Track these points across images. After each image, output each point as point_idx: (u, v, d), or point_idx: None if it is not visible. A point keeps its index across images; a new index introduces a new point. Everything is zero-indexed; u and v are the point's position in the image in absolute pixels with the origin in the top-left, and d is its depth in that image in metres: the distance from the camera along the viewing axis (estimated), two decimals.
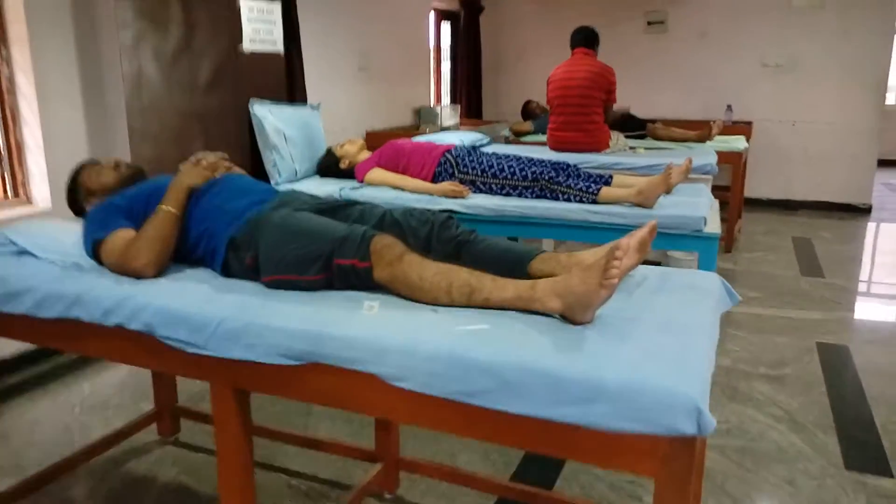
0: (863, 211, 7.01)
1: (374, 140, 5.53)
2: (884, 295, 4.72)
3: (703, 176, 4.28)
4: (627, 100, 5.42)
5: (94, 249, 1.87)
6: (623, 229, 2.81)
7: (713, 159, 4.48)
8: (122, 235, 1.85)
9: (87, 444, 2.50)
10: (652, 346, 1.33)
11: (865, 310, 4.33)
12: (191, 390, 2.91)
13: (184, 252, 1.91)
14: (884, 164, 8.31)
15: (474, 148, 4.20)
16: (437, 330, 1.42)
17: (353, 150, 3.76)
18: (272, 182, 3.64)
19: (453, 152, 3.53)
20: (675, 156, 4.51)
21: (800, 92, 7.05)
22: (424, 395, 1.34)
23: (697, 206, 3.04)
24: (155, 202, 1.90)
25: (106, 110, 3.56)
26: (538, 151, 4.65)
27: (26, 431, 2.77)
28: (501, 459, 2.54)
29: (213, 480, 2.30)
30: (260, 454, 2.54)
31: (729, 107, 6.93)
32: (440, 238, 1.84)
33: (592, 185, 3.17)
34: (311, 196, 2.02)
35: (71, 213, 2.26)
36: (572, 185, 3.18)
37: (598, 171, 3.48)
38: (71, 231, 2.07)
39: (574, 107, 4.72)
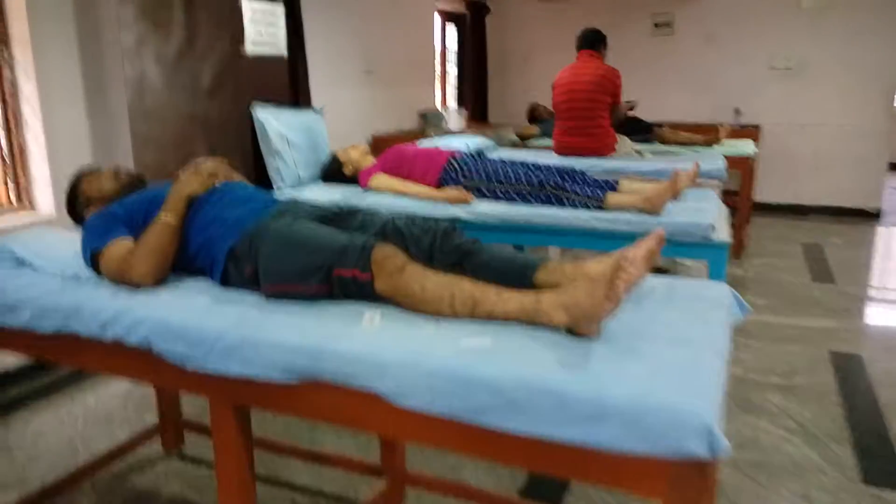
0: (873, 215, 6.93)
1: (379, 144, 5.52)
2: None
3: (712, 181, 4.23)
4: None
5: (93, 259, 1.84)
6: (630, 236, 2.76)
7: (721, 164, 4.43)
8: (120, 245, 1.82)
9: (90, 459, 2.47)
10: (661, 363, 1.29)
11: (878, 317, 4.27)
12: (195, 402, 2.87)
13: (184, 261, 1.87)
14: (895, 167, 8.24)
15: (479, 153, 4.17)
16: (438, 345, 1.38)
17: (357, 155, 3.72)
18: (275, 188, 3.60)
19: (458, 158, 3.49)
20: (683, 160, 4.46)
21: (809, 95, 6.98)
22: (426, 412, 1.30)
23: (706, 212, 2.99)
24: (154, 210, 1.87)
25: (109, 114, 3.54)
26: (544, 156, 4.62)
27: (30, 444, 2.74)
28: (508, 474, 2.49)
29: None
30: (264, 468, 2.50)
31: (737, 110, 6.88)
32: (443, 248, 1.79)
33: (599, 191, 3.12)
34: (312, 204, 1.98)
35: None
36: (578, 191, 3.14)
37: (604, 177, 3.44)
38: (71, 240, 2.04)
39: (580, 111, 4.68)
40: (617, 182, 3.28)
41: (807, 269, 5.11)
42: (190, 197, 1.90)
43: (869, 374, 3.33)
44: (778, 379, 3.26)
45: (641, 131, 5.51)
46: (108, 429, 2.85)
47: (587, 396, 1.19)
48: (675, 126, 5.87)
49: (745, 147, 5.51)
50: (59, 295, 1.72)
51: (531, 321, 1.45)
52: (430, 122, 6.53)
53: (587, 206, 3.10)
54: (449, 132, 6.32)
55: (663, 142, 5.49)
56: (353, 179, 3.69)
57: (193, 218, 1.88)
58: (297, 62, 4.55)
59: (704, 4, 7.22)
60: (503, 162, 3.42)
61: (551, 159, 4.34)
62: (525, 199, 3.24)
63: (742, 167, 5.31)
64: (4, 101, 3.28)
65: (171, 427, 2.66)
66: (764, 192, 7.14)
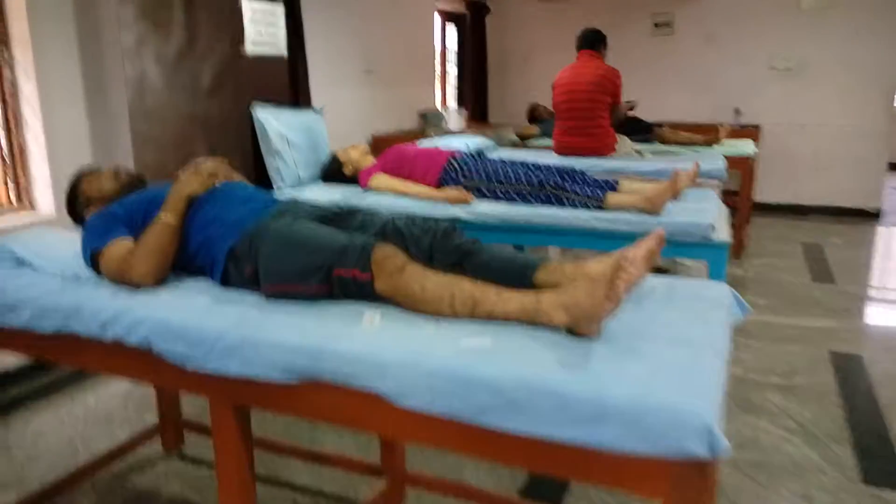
0: (873, 215, 6.93)
1: (379, 144, 5.51)
2: None
3: (712, 181, 4.23)
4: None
5: (93, 259, 1.84)
6: (630, 236, 2.76)
7: (721, 164, 4.43)
8: (120, 245, 1.82)
9: (90, 459, 2.47)
10: (661, 363, 1.29)
11: (878, 317, 4.27)
12: (195, 402, 2.87)
13: (184, 261, 1.87)
14: (895, 167, 8.24)
15: (479, 153, 4.16)
16: (438, 345, 1.38)
17: (356, 155, 3.72)
18: (275, 188, 3.60)
19: (458, 158, 3.49)
20: (683, 160, 4.46)
21: (809, 95, 6.98)
22: (426, 412, 1.30)
23: (705, 212, 2.98)
24: (154, 210, 1.87)
25: (109, 114, 3.54)
26: (544, 156, 4.62)
27: (30, 444, 2.74)
28: (508, 474, 2.48)
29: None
30: (264, 468, 2.50)
31: (737, 110, 6.88)
32: (443, 248, 1.79)
33: (599, 191, 3.12)
34: (312, 204, 1.98)
35: None
36: (578, 191, 3.14)
37: (604, 177, 3.43)
38: (71, 241, 2.04)
39: (580, 111, 4.68)
40: (617, 182, 3.28)
41: (807, 269, 5.11)
42: (190, 197, 1.90)
43: (869, 374, 3.33)
44: (778, 379, 3.25)
45: (641, 131, 5.51)
46: (108, 429, 2.84)
47: (587, 396, 1.19)
48: (675, 126, 5.86)
49: (745, 147, 5.51)
50: (59, 295, 1.72)
51: (531, 321, 1.45)
52: (430, 122, 6.53)
53: (587, 206, 3.10)
54: (449, 132, 6.32)
55: (663, 142, 5.49)
56: (353, 179, 3.69)
57: (193, 218, 1.88)
58: (297, 62, 4.55)
59: (704, 4, 7.22)
60: (503, 162, 3.42)
61: (551, 159, 4.34)
62: (525, 199, 3.24)
63: (742, 167, 5.31)
64: (4, 101, 3.28)
65: (171, 427, 2.66)
66: (764, 192, 7.13)
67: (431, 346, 1.37)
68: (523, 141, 6.02)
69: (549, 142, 5.24)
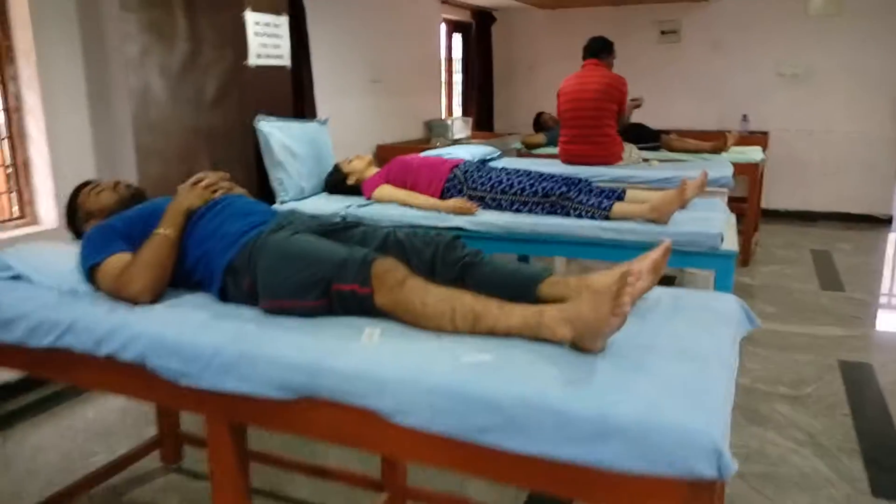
0: (883, 222, 6.87)
1: (384, 154, 5.50)
2: None
3: (719, 189, 4.19)
4: (641, 111, 5.33)
5: (90, 274, 1.82)
6: (636, 246, 2.74)
7: (729, 171, 4.39)
8: (117, 259, 1.79)
9: (88, 473, 2.44)
10: (667, 379, 1.26)
11: (888, 325, 4.22)
12: (195, 416, 2.83)
13: (182, 276, 1.85)
14: None
15: (483, 162, 4.14)
16: (439, 362, 1.35)
17: (360, 165, 3.70)
18: (278, 200, 3.58)
19: (462, 167, 3.47)
20: (690, 168, 4.42)
21: (816, 101, 6.94)
22: (426, 431, 1.27)
23: (713, 221, 2.95)
24: (153, 224, 1.85)
25: (113, 126, 3.53)
26: (550, 165, 4.59)
27: (28, 458, 2.72)
28: (511, 490, 2.45)
29: None
30: (266, 482, 2.48)
31: (745, 117, 6.84)
32: (445, 260, 1.76)
33: (605, 200, 3.09)
34: (312, 216, 1.96)
35: None
36: (584, 200, 3.11)
37: (610, 186, 3.40)
38: (69, 254, 2.01)
39: (586, 119, 4.65)
40: (623, 191, 3.25)
41: (815, 277, 5.06)
42: (188, 210, 1.89)
43: (879, 383, 3.28)
44: (786, 389, 3.21)
45: (648, 139, 5.48)
46: (107, 442, 2.82)
47: (592, 415, 1.16)
48: (683, 133, 5.83)
49: (753, 154, 5.47)
50: (55, 310, 1.70)
51: (534, 336, 1.43)
52: (435, 131, 6.52)
53: (593, 216, 3.07)
54: (454, 141, 6.30)
55: (670, 149, 5.45)
56: (356, 190, 3.67)
57: (192, 231, 1.86)
58: (301, 73, 4.54)
59: (711, 11, 7.20)
60: (508, 171, 3.39)
61: (557, 168, 4.31)
62: (530, 208, 3.21)
63: (750, 174, 5.28)
64: (8, 114, 3.27)
65: (170, 441, 2.64)
66: (772, 198, 7.08)
67: (431, 362, 1.35)
68: (529, 149, 5.99)
69: (555, 150, 5.21)
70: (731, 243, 2.87)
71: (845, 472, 2.54)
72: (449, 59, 7.54)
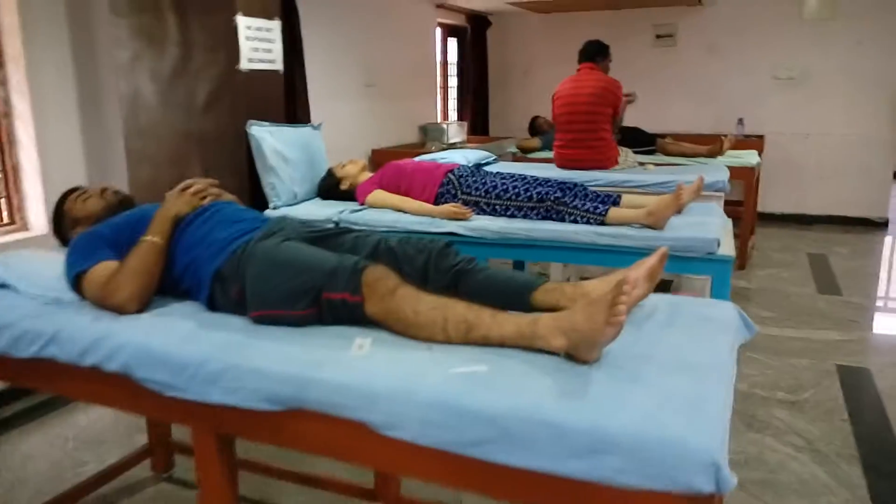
0: (879, 225, 6.86)
1: (379, 158, 5.47)
2: None
3: (715, 193, 4.17)
4: (636, 114, 5.32)
5: (76, 282, 1.78)
6: (632, 252, 2.71)
7: (725, 176, 4.36)
8: (104, 267, 1.76)
9: (78, 482, 2.41)
10: (664, 391, 1.23)
11: (886, 329, 4.19)
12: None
13: (169, 284, 1.81)
14: None
15: (478, 167, 4.11)
16: (431, 373, 1.32)
17: (354, 170, 3.66)
18: (270, 205, 3.55)
19: (456, 172, 3.43)
20: (686, 172, 4.40)
21: (812, 104, 6.94)
22: (418, 445, 1.23)
23: (710, 227, 2.92)
24: (141, 231, 1.82)
25: (103, 132, 3.50)
26: (545, 169, 4.56)
27: (18, 467, 2.68)
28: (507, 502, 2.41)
29: None
30: (256, 491, 2.44)
31: (740, 120, 6.82)
32: (438, 267, 1.74)
33: (600, 205, 3.06)
34: (302, 223, 1.93)
35: None
36: (579, 205, 3.08)
37: (606, 190, 3.37)
38: (56, 262, 1.98)
39: (581, 123, 4.62)
40: (619, 196, 3.22)
41: (812, 280, 5.04)
42: (176, 217, 1.85)
43: (877, 387, 3.26)
44: (783, 394, 3.18)
45: (644, 143, 5.46)
46: (97, 451, 2.78)
47: (588, 428, 1.13)
48: (679, 137, 5.81)
49: (749, 157, 5.45)
50: (39, 320, 1.67)
51: (528, 346, 1.40)
52: (430, 135, 6.48)
53: (588, 222, 3.04)
54: (449, 146, 6.27)
55: (666, 153, 5.43)
56: (350, 195, 3.64)
57: (180, 238, 1.83)
58: (294, 77, 4.51)
59: (706, 15, 7.19)
60: (502, 176, 3.36)
61: (552, 172, 4.28)
62: (525, 214, 3.18)
63: (746, 177, 5.26)
64: None
65: (160, 450, 2.60)
66: (768, 202, 7.07)
67: (423, 374, 1.31)
68: (524, 153, 5.97)
69: (550, 154, 5.18)
70: (727, 248, 2.84)
71: (844, 479, 2.51)
72: (444, 64, 7.52)
